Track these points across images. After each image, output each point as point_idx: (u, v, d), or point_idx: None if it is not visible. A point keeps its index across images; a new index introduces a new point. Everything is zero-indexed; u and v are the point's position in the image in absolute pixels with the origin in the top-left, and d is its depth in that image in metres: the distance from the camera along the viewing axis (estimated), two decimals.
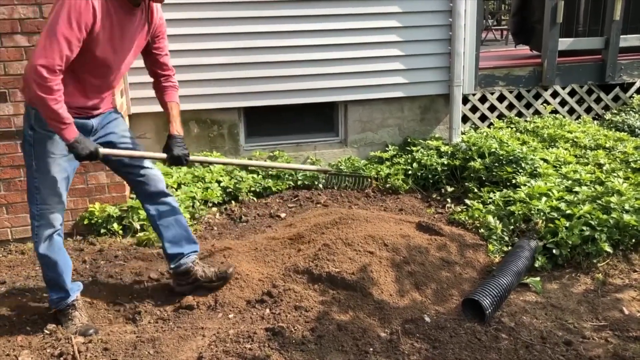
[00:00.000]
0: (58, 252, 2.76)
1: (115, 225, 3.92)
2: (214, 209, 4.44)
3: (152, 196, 2.98)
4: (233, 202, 4.55)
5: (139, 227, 3.92)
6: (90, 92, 2.66)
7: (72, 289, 2.88)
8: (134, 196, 4.16)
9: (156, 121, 4.79)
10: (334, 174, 4.04)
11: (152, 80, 2.98)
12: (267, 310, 2.93)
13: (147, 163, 2.96)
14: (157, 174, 3.00)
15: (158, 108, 4.57)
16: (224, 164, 3.79)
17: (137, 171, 2.92)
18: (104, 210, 3.95)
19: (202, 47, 4.68)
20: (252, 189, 4.65)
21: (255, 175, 4.78)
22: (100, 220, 3.93)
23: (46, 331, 2.83)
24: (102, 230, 3.92)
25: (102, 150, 2.61)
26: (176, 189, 4.32)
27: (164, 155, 2.87)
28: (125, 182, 4.06)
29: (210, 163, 4.01)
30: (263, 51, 4.79)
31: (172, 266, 3.05)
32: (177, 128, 2.93)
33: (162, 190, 3.01)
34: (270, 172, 4.84)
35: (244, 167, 4.80)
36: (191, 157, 2.96)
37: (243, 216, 4.33)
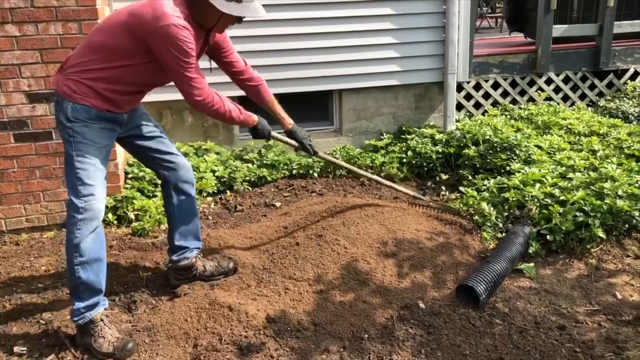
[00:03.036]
0: (102, 247, 2.60)
1: (110, 215, 3.91)
2: (209, 198, 4.44)
3: (178, 185, 2.96)
4: (228, 191, 4.55)
5: (133, 217, 3.91)
6: (141, 98, 2.77)
7: (103, 297, 2.67)
8: (129, 186, 4.16)
9: (151, 110, 4.67)
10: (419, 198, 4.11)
11: (232, 74, 3.08)
12: (264, 301, 2.94)
13: (177, 151, 2.98)
14: (187, 162, 3.01)
15: (153, 98, 4.64)
16: (345, 168, 3.81)
17: (169, 158, 2.92)
18: None
19: None
20: (247, 178, 4.64)
21: (250, 165, 4.78)
22: None
23: (42, 321, 2.84)
24: None
25: (273, 134, 3.01)
26: None
27: (295, 144, 3.21)
28: (118, 173, 4.06)
29: (333, 163, 4.14)
30: (256, 40, 4.77)
31: (174, 258, 3.04)
32: (289, 121, 3.20)
33: (190, 180, 3.01)
34: (265, 162, 4.83)
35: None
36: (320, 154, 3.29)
37: (238, 205, 4.33)
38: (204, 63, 2.83)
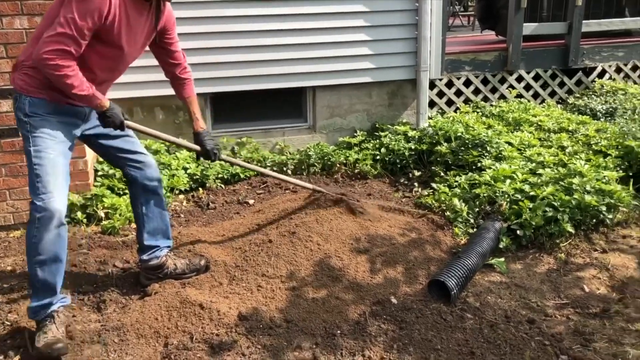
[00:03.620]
0: (62, 248, 2.51)
1: (79, 213, 3.84)
2: (181, 196, 4.39)
3: (146, 184, 2.91)
4: (200, 189, 4.51)
5: (103, 215, 3.85)
6: (97, 84, 2.59)
7: (59, 297, 2.62)
8: (99, 184, 4.09)
9: (121, 107, 4.66)
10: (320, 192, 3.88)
11: (168, 69, 2.96)
12: (237, 299, 2.91)
13: (144, 149, 2.93)
14: (153, 161, 2.95)
15: (124, 94, 4.57)
16: (250, 168, 3.67)
17: (136, 157, 2.87)
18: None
19: None
20: (220, 175, 4.61)
21: (222, 162, 4.73)
22: None
23: (7, 322, 2.77)
24: (66, 220, 3.83)
25: (128, 122, 2.66)
26: None
27: (198, 148, 2.99)
28: (88, 170, 3.99)
29: (236, 165, 3.96)
30: (230, 36, 4.73)
31: (144, 258, 3.00)
32: (201, 124, 3.02)
33: (157, 178, 2.96)
34: (238, 159, 4.80)
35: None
36: (222, 157, 3.08)
37: (210, 203, 4.29)
38: None
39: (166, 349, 2.55)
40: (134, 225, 3.81)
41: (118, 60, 2.63)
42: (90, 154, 4.14)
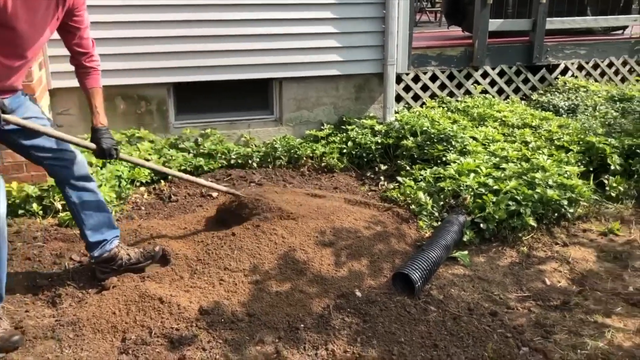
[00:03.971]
0: (3, 240, 2.40)
1: (34, 205, 3.70)
2: (142, 188, 4.28)
3: (74, 182, 2.77)
4: (162, 181, 4.40)
5: (60, 207, 3.72)
6: (8, 77, 2.42)
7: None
8: None
9: (80, 97, 4.53)
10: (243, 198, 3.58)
11: (74, 56, 2.74)
12: (198, 292, 2.85)
13: (70, 146, 2.75)
14: (80, 156, 2.80)
15: (71, 83, 4.41)
16: (150, 168, 3.41)
17: (59, 155, 2.70)
18: (22, 190, 3.72)
19: (129, 19, 4.46)
20: (183, 167, 4.50)
21: (186, 154, 4.64)
22: (18, 201, 3.70)
23: None
24: (20, 211, 3.70)
25: (7, 117, 2.41)
26: (101, 168, 4.13)
27: (93, 146, 2.75)
28: None
29: (138, 164, 3.61)
30: (194, 24, 4.63)
31: (95, 254, 2.89)
32: (101, 119, 2.77)
33: (85, 174, 2.82)
34: (202, 151, 4.71)
35: (172, 149, 4.66)
36: (121, 155, 2.85)
37: (173, 196, 4.20)
38: None
39: (124, 344, 2.47)
40: None
41: (17, 44, 2.38)
42: None
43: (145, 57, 4.58)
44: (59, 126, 4.53)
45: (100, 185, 3.91)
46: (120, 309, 2.65)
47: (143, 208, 4.00)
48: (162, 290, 2.78)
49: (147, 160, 4.26)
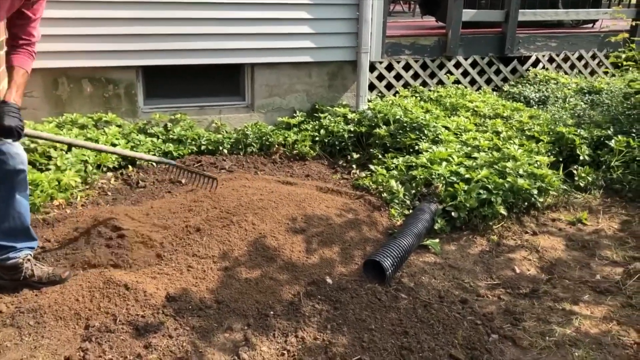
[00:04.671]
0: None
1: None
2: (109, 173, 4.17)
3: (4, 178, 2.52)
4: (130, 166, 4.29)
5: None
6: None
7: None
8: None
9: (45, 78, 4.40)
10: (180, 168, 3.48)
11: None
12: (165, 279, 2.78)
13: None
14: (13, 150, 2.51)
15: (47, 64, 4.29)
16: (67, 143, 3.09)
17: None
18: None
19: None
20: (151, 153, 4.40)
21: (154, 139, 4.54)
22: None
23: None
24: None
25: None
26: (66, 152, 4.00)
27: None
28: None
29: (52, 140, 3.16)
30: (164, 6, 4.51)
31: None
32: (14, 96, 2.50)
33: (21, 170, 2.54)
34: (171, 137, 4.61)
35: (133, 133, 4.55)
36: (27, 131, 2.56)
37: (140, 181, 4.10)
38: None
39: (87, 332, 2.39)
40: (56, 202, 3.60)
41: None
42: None
43: (113, 38, 4.45)
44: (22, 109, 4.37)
45: (64, 170, 3.80)
46: (84, 295, 2.57)
47: (110, 194, 3.89)
48: (128, 277, 2.70)
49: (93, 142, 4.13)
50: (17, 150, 2.52)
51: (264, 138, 4.77)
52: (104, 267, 2.81)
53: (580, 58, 6.72)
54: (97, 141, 4.22)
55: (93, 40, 4.39)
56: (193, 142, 4.64)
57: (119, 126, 4.55)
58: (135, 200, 3.80)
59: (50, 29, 4.18)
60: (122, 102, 4.69)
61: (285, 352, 2.38)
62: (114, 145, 4.26)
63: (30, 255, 2.71)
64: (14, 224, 2.60)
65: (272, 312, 2.61)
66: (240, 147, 4.74)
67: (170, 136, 4.61)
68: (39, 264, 2.76)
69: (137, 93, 4.74)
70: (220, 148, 4.68)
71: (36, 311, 2.49)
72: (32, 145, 3.93)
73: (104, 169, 4.15)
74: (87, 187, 3.89)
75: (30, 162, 3.80)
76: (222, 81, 5.11)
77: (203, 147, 4.65)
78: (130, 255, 2.93)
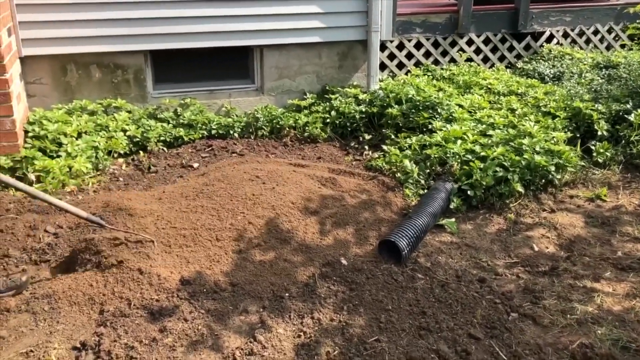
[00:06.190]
0: None
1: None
2: (120, 159, 4.15)
3: None
4: (141, 152, 4.26)
5: (34, 179, 3.58)
6: None
7: None
8: (29, 145, 3.81)
9: (53, 65, 4.37)
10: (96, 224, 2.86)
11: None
12: (179, 263, 2.75)
13: None
14: None
15: (55, 50, 4.26)
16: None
17: None
18: None
19: None
20: (162, 138, 4.37)
21: (165, 124, 4.50)
22: None
23: None
24: None
25: None
26: (76, 138, 3.98)
27: None
28: (17, 130, 3.70)
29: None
30: None
31: None
32: None
33: None
34: (181, 121, 4.57)
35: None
36: None
37: (152, 166, 4.07)
38: None
39: (102, 316, 2.38)
40: (68, 189, 3.58)
41: None
42: (19, 113, 3.84)
43: (120, 23, 4.40)
44: (32, 96, 4.37)
45: (75, 156, 3.78)
46: (98, 280, 2.55)
47: (121, 179, 3.87)
48: (141, 262, 2.67)
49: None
50: None
51: (274, 121, 4.71)
52: (117, 252, 2.78)
53: (595, 32, 6.56)
54: (107, 127, 4.20)
55: (100, 25, 4.34)
56: (203, 127, 4.60)
57: (129, 112, 4.52)
58: (147, 186, 3.78)
59: (57, 15, 4.15)
60: (132, 88, 4.65)
61: (301, 333, 2.34)
62: (124, 131, 4.24)
63: None
64: None
65: (287, 294, 2.58)
66: (250, 130, 4.69)
67: (181, 121, 4.57)
68: None
69: (146, 78, 4.70)
70: (231, 132, 4.63)
71: (50, 297, 2.48)
72: (42, 133, 3.91)
73: (115, 155, 4.13)
74: (99, 173, 3.87)
75: (40, 149, 3.79)
76: (231, 64, 5.05)
77: (214, 132, 4.61)
78: (142, 239, 2.90)
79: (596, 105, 4.41)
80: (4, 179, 2.61)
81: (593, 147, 4.13)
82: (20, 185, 2.65)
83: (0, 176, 2.61)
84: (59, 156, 3.80)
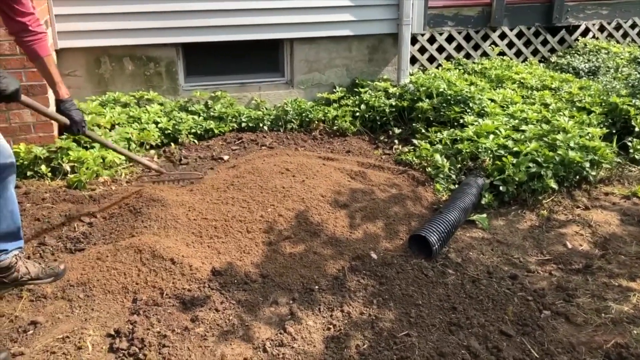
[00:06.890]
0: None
1: (43, 167, 3.64)
2: (152, 151, 4.20)
3: None
4: (172, 144, 4.31)
5: (69, 169, 3.65)
6: None
7: None
8: (65, 136, 3.88)
9: (88, 58, 4.44)
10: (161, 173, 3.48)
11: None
12: (210, 253, 2.77)
13: None
14: (1, 142, 2.38)
15: (90, 43, 4.33)
16: (114, 149, 3.19)
17: None
18: (30, 151, 3.65)
19: None
20: (193, 130, 4.41)
21: (196, 117, 4.54)
22: (26, 162, 3.63)
23: None
24: (29, 173, 3.64)
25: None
26: (110, 130, 4.04)
27: (65, 120, 2.64)
28: (53, 121, 3.77)
29: (101, 143, 3.23)
30: None
31: None
32: (65, 90, 2.58)
33: (10, 163, 2.40)
34: (212, 114, 4.61)
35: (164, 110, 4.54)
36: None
37: (183, 158, 4.11)
38: None
39: (135, 305, 2.42)
40: (101, 179, 3.64)
41: None
42: (54, 106, 3.91)
43: (153, 16, 4.44)
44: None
45: None
46: (131, 269, 2.59)
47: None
48: (173, 252, 2.71)
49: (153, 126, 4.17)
50: (1, 141, 2.39)
51: (303, 114, 4.72)
52: (150, 241, 2.83)
53: (633, 26, 6.39)
54: (139, 119, 4.26)
55: (133, 18, 4.39)
56: (234, 119, 4.63)
57: (161, 104, 4.57)
58: None
59: (91, 8, 4.21)
60: (163, 80, 4.70)
61: (331, 326, 2.35)
62: (156, 123, 4.29)
63: (19, 254, 2.55)
64: (7, 224, 2.45)
65: (317, 287, 2.58)
66: (280, 123, 4.71)
67: (211, 114, 4.61)
68: (30, 262, 2.61)
69: (178, 71, 4.74)
70: (261, 125, 4.65)
71: (85, 284, 2.53)
72: None
73: (147, 147, 4.18)
74: (131, 164, 3.92)
75: (75, 140, 3.86)
76: (261, 57, 5.07)
77: (244, 124, 4.63)
78: (174, 229, 2.94)
79: (633, 101, 4.30)
80: (90, 134, 2.91)
81: (630, 144, 4.03)
82: (102, 139, 3.20)
83: (90, 133, 2.90)
84: (92, 147, 3.86)
